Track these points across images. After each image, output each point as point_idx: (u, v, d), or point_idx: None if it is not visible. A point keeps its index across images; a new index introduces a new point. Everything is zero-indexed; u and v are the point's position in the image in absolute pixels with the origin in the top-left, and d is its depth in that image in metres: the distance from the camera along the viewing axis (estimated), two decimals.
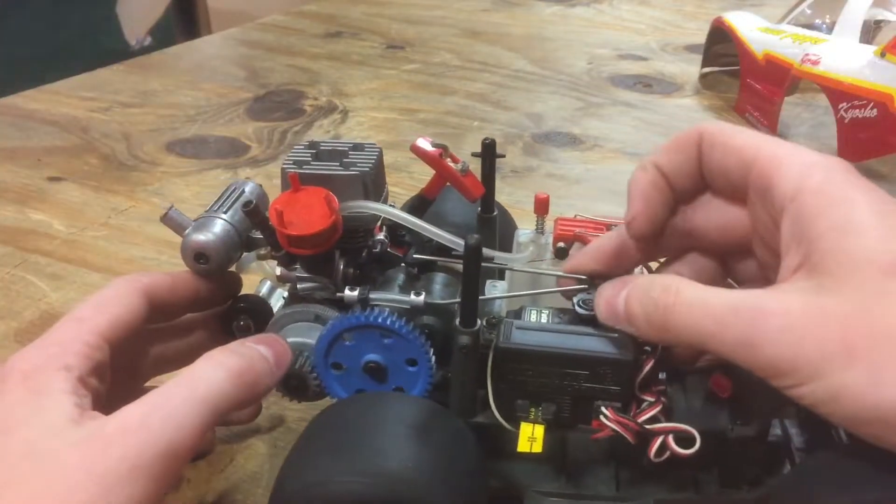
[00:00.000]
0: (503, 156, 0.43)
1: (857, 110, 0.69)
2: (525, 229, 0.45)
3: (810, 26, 0.88)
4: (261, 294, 0.41)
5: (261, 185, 0.40)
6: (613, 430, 0.32)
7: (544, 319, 0.34)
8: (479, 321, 0.32)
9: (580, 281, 0.34)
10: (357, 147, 0.37)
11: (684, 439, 0.31)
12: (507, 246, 0.44)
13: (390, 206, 0.36)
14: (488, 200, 0.43)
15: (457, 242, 0.36)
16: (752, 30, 0.88)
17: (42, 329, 0.47)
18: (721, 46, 0.96)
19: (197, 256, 0.36)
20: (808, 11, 0.90)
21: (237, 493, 0.41)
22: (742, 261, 0.34)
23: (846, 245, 0.26)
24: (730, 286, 0.35)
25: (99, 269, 0.61)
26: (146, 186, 0.74)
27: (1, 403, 0.29)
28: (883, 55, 0.70)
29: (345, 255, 0.36)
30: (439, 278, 0.38)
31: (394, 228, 0.38)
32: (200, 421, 0.29)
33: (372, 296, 0.35)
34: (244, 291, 0.41)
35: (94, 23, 1.65)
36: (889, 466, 0.25)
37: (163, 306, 0.36)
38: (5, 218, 0.68)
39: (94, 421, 0.28)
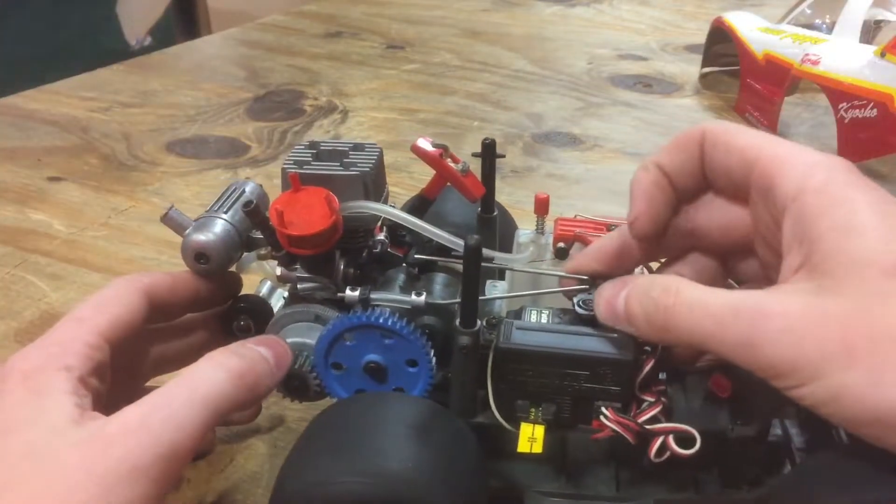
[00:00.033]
0: (503, 156, 0.43)
1: (857, 110, 0.69)
2: (525, 229, 0.45)
3: (810, 26, 0.89)
4: (261, 294, 0.41)
5: (261, 185, 0.40)
6: (613, 430, 0.32)
7: (544, 320, 0.34)
8: (479, 321, 0.32)
9: (582, 281, 0.34)
10: (357, 147, 0.37)
11: (684, 439, 0.31)
12: (507, 246, 0.44)
13: (390, 206, 0.36)
14: (488, 200, 0.43)
15: (457, 243, 0.36)
16: (752, 30, 0.88)
17: (42, 329, 0.47)
18: (721, 46, 0.96)
19: (197, 256, 0.36)
20: (808, 11, 0.91)
21: (237, 493, 0.41)
22: (743, 260, 0.34)
23: (847, 245, 0.26)
24: (730, 286, 0.35)
25: (99, 269, 0.61)
26: (146, 186, 0.74)
27: (1, 404, 0.29)
28: (883, 55, 0.70)
29: (345, 255, 0.36)
30: (440, 278, 0.38)
31: (394, 229, 0.38)
32: (201, 422, 0.29)
33: (373, 296, 0.35)
34: (244, 291, 0.41)
35: (94, 23, 1.65)
36: (889, 467, 0.25)
37: (163, 306, 0.36)
38: (5, 218, 0.68)
39: (94, 421, 0.28)
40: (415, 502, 0.29)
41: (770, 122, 0.81)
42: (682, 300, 0.28)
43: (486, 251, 0.33)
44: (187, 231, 0.36)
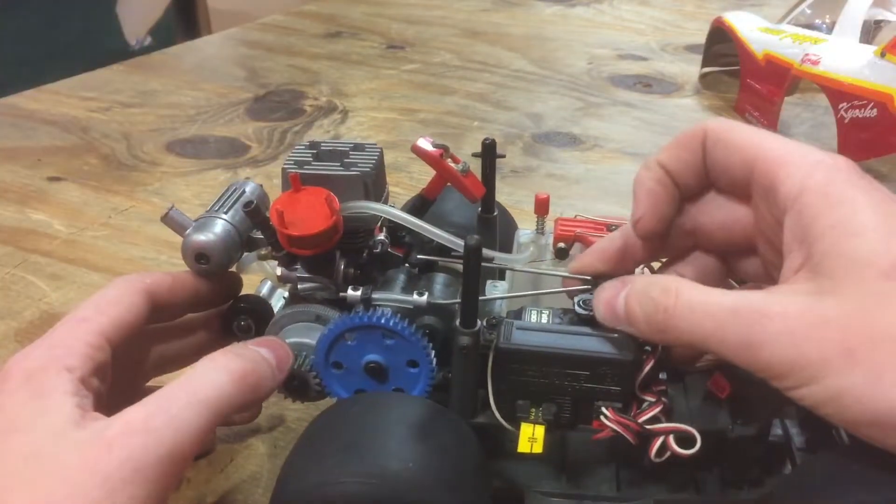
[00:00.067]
0: (503, 156, 0.43)
1: (857, 110, 0.69)
2: (525, 230, 0.45)
3: (810, 26, 0.89)
4: (261, 294, 0.41)
5: (261, 186, 0.40)
6: (614, 430, 0.32)
7: (545, 320, 0.34)
8: (479, 322, 0.32)
9: (584, 282, 0.34)
10: (358, 147, 0.37)
11: (685, 439, 0.31)
12: (507, 246, 0.44)
13: (391, 206, 0.36)
14: (489, 201, 0.43)
15: (457, 243, 0.36)
16: (752, 30, 0.88)
17: (42, 329, 0.47)
18: (721, 46, 0.96)
19: (198, 257, 0.36)
20: (808, 11, 0.91)
21: (237, 493, 0.41)
22: (745, 259, 0.34)
23: (846, 246, 0.26)
24: (730, 286, 0.35)
25: (99, 269, 0.61)
26: (146, 186, 0.74)
27: (3, 405, 0.29)
28: (883, 55, 0.70)
29: (345, 255, 0.36)
30: (440, 278, 0.38)
31: (393, 229, 0.38)
32: (202, 423, 0.29)
33: (375, 295, 0.35)
34: (245, 292, 0.41)
35: (94, 23, 1.65)
36: (890, 467, 0.25)
37: (164, 306, 0.36)
38: (5, 218, 0.68)
39: (96, 422, 0.28)
40: (417, 503, 0.29)
41: (770, 122, 0.81)
42: (682, 301, 0.28)
43: (486, 251, 0.33)
44: (188, 231, 0.36)
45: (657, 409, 0.32)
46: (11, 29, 1.50)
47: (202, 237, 0.36)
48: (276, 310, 0.39)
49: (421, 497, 0.29)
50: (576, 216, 0.42)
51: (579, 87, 0.98)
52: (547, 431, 0.33)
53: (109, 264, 0.61)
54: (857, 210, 0.26)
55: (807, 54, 0.76)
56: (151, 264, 0.61)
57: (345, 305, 0.36)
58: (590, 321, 0.33)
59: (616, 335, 0.32)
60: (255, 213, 0.34)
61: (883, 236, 0.26)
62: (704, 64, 0.99)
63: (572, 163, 0.78)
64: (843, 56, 0.74)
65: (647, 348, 0.33)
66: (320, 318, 0.36)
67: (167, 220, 0.37)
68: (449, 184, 0.39)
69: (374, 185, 0.36)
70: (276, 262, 0.37)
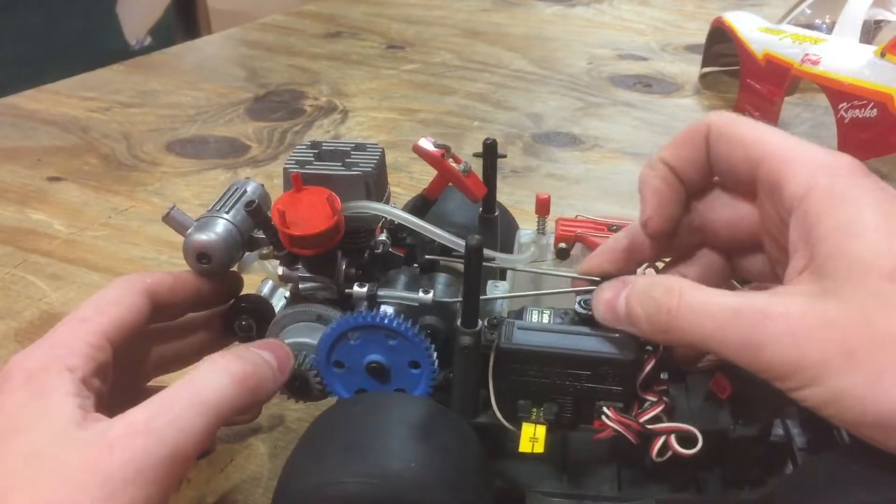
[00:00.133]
0: (504, 156, 0.43)
1: (857, 110, 0.69)
2: (526, 230, 0.45)
3: (810, 26, 0.88)
4: (262, 294, 0.41)
5: (262, 185, 0.40)
6: (615, 430, 0.32)
7: (546, 320, 0.34)
8: (480, 322, 0.32)
9: (593, 282, 0.34)
10: (359, 147, 0.37)
11: (686, 439, 0.31)
12: (508, 246, 0.44)
13: (392, 206, 0.36)
14: (490, 201, 0.43)
15: (458, 243, 0.36)
16: (752, 30, 0.88)
17: (42, 329, 0.47)
18: (721, 46, 0.96)
19: (199, 256, 0.36)
20: (808, 11, 0.90)
21: (237, 494, 0.41)
22: (751, 256, 0.34)
23: (849, 248, 0.26)
24: (732, 287, 0.35)
25: (99, 269, 0.61)
26: (146, 186, 0.74)
27: (4, 405, 0.29)
28: (883, 55, 0.70)
29: (347, 255, 0.36)
30: (442, 278, 0.38)
31: (394, 230, 0.38)
32: (204, 425, 0.29)
33: (380, 293, 0.35)
34: (246, 291, 0.40)
35: (94, 23, 1.65)
36: (891, 468, 0.25)
37: (165, 306, 0.36)
38: (5, 218, 0.68)
39: (98, 423, 0.28)
40: (418, 503, 0.29)
41: (770, 123, 0.81)
42: (684, 302, 0.28)
43: (487, 251, 0.33)
44: (189, 231, 0.36)
45: (658, 409, 0.32)
46: (11, 29, 1.50)
47: (204, 237, 0.36)
48: (277, 309, 0.39)
49: (422, 497, 0.29)
50: (577, 216, 0.42)
51: (579, 87, 0.98)
52: (548, 431, 0.33)
53: (109, 264, 0.61)
54: (861, 211, 0.26)
55: (807, 54, 0.76)
56: (151, 264, 0.61)
57: (346, 305, 0.36)
58: (590, 321, 0.33)
59: (617, 335, 0.32)
60: (256, 212, 0.34)
61: (886, 238, 0.26)
62: (704, 64, 0.99)
63: (572, 163, 0.78)
64: (843, 56, 0.74)
65: (649, 348, 0.33)
66: (321, 318, 0.36)
67: (168, 219, 0.37)
68: (450, 184, 0.39)
69: (376, 184, 0.36)
70: (278, 262, 0.37)
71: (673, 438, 0.31)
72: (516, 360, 0.32)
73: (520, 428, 0.33)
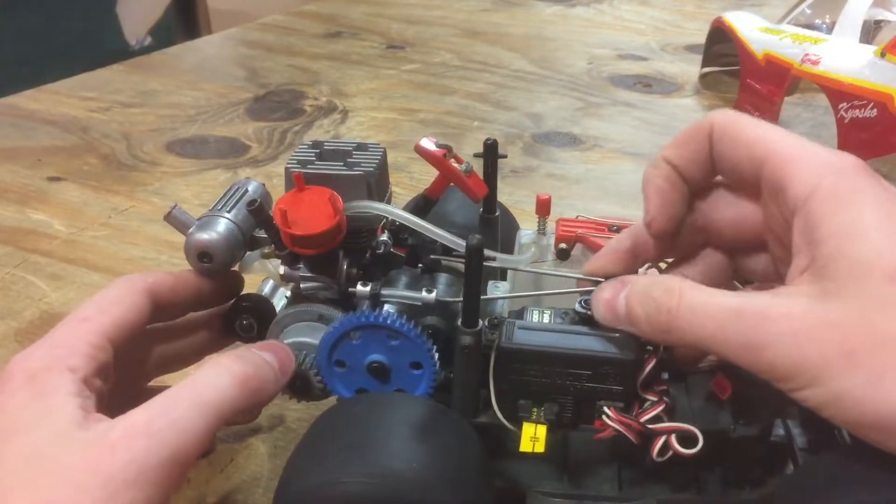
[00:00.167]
0: (505, 156, 0.43)
1: (857, 110, 0.69)
2: (527, 230, 0.45)
3: (810, 26, 0.88)
4: (263, 293, 0.41)
5: (263, 185, 0.40)
6: (616, 429, 0.32)
7: (546, 320, 0.34)
8: (481, 321, 0.32)
9: (597, 283, 0.34)
10: (361, 147, 0.37)
11: (687, 439, 0.31)
12: (509, 246, 0.44)
13: (393, 206, 0.36)
14: (490, 201, 0.43)
15: (459, 243, 0.36)
16: (752, 30, 0.88)
17: (42, 329, 0.47)
18: (721, 46, 0.96)
19: (201, 255, 0.36)
20: (808, 11, 0.91)
21: (237, 494, 0.41)
22: (755, 256, 0.34)
23: (850, 249, 0.26)
24: (734, 287, 0.35)
25: (99, 269, 0.61)
26: (146, 186, 0.74)
27: (6, 405, 0.29)
28: (883, 55, 0.70)
29: (348, 255, 0.36)
30: (443, 278, 0.38)
31: (396, 230, 0.38)
32: (205, 426, 0.29)
33: (383, 291, 0.35)
34: (247, 291, 0.40)
35: (94, 23, 1.65)
36: (892, 468, 0.25)
37: (165, 306, 0.36)
38: (5, 218, 0.68)
39: (99, 424, 0.28)
40: (420, 503, 0.29)
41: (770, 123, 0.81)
42: (684, 302, 0.28)
43: (487, 252, 0.33)
44: (190, 230, 0.36)
45: (659, 409, 0.32)
46: (11, 29, 1.50)
47: (205, 236, 0.36)
48: (278, 309, 0.39)
49: (423, 497, 0.29)
50: (577, 217, 0.42)
51: (579, 87, 0.98)
52: (549, 431, 0.33)
53: (109, 264, 0.61)
54: (863, 212, 0.26)
55: (807, 54, 0.76)
56: (151, 264, 0.61)
57: (347, 305, 0.36)
58: (591, 321, 0.33)
59: (618, 335, 0.32)
60: (258, 211, 0.34)
61: (888, 239, 0.25)
62: (704, 64, 0.99)
63: (572, 163, 0.78)
64: (843, 56, 0.74)
65: (649, 348, 0.33)
66: (323, 318, 0.36)
67: (170, 218, 0.37)
68: (452, 184, 0.39)
69: (378, 184, 0.36)
70: (279, 261, 0.37)
71: (673, 438, 0.31)
72: (517, 360, 0.33)
73: (520, 428, 0.33)
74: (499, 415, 0.33)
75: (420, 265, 0.38)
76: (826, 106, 0.74)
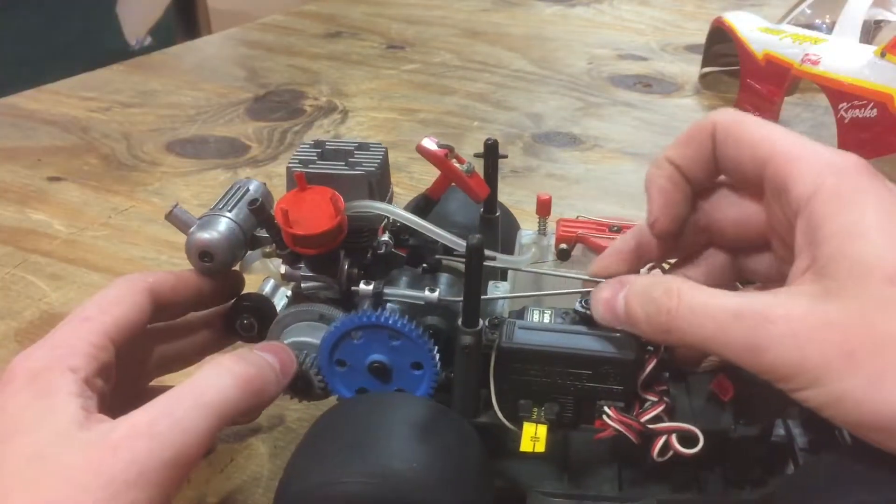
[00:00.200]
0: (506, 156, 0.43)
1: (857, 110, 0.69)
2: (527, 230, 0.45)
3: (810, 26, 0.89)
4: (264, 293, 0.41)
5: (264, 184, 0.40)
6: (616, 429, 0.32)
7: (546, 320, 0.34)
8: (481, 321, 0.32)
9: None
10: (362, 147, 0.37)
11: (687, 439, 0.31)
12: (509, 246, 0.44)
13: (394, 206, 0.36)
14: (491, 201, 0.43)
15: (459, 243, 0.36)
16: (752, 30, 0.88)
17: (42, 329, 0.47)
18: (721, 46, 0.96)
19: (202, 255, 0.36)
20: (808, 11, 0.91)
21: (237, 494, 0.41)
22: (758, 256, 0.34)
23: (851, 249, 0.26)
24: (735, 288, 0.35)
25: (99, 269, 0.61)
26: (146, 186, 0.74)
27: (7, 405, 0.29)
28: (883, 55, 0.70)
29: (349, 254, 0.36)
30: (444, 278, 0.38)
31: (396, 230, 0.38)
32: (207, 427, 0.29)
33: (386, 290, 0.35)
34: (247, 290, 0.40)
35: (94, 23, 1.65)
36: (892, 468, 0.25)
37: (166, 305, 0.36)
38: (5, 218, 0.68)
39: (101, 425, 0.28)
40: (420, 503, 0.29)
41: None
42: (684, 302, 0.28)
43: (488, 252, 0.33)
44: (191, 229, 0.36)
45: (660, 409, 0.32)
46: (11, 29, 1.49)
47: (206, 235, 0.36)
48: (279, 309, 0.39)
49: (423, 497, 0.29)
50: (577, 217, 0.42)
51: (579, 87, 0.98)
52: (549, 431, 0.33)
53: (109, 264, 0.61)
54: (865, 213, 0.26)
55: (807, 54, 0.76)
56: (152, 264, 0.61)
57: (348, 305, 0.36)
58: (592, 320, 0.33)
59: (618, 334, 0.32)
60: (260, 211, 0.34)
61: (889, 240, 0.25)
62: (704, 64, 0.99)
63: (572, 163, 0.78)
64: (843, 56, 0.74)
65: (650, 348, 0.33)
66: (324, 318, 0.36)
67: (171, 217, 0.37)
68: (453, 184, 0.39)
69: (379, 184, 0.36)
70: (280, 261, 0.37)
71: (674, 438, 0.31)
72: (517, 360, 0.33)
73: (521, 427, 0.33)
74: (499, 415, 0.33)
75: (423, 265, 0.38)
76: (826, 106, 0.74)
